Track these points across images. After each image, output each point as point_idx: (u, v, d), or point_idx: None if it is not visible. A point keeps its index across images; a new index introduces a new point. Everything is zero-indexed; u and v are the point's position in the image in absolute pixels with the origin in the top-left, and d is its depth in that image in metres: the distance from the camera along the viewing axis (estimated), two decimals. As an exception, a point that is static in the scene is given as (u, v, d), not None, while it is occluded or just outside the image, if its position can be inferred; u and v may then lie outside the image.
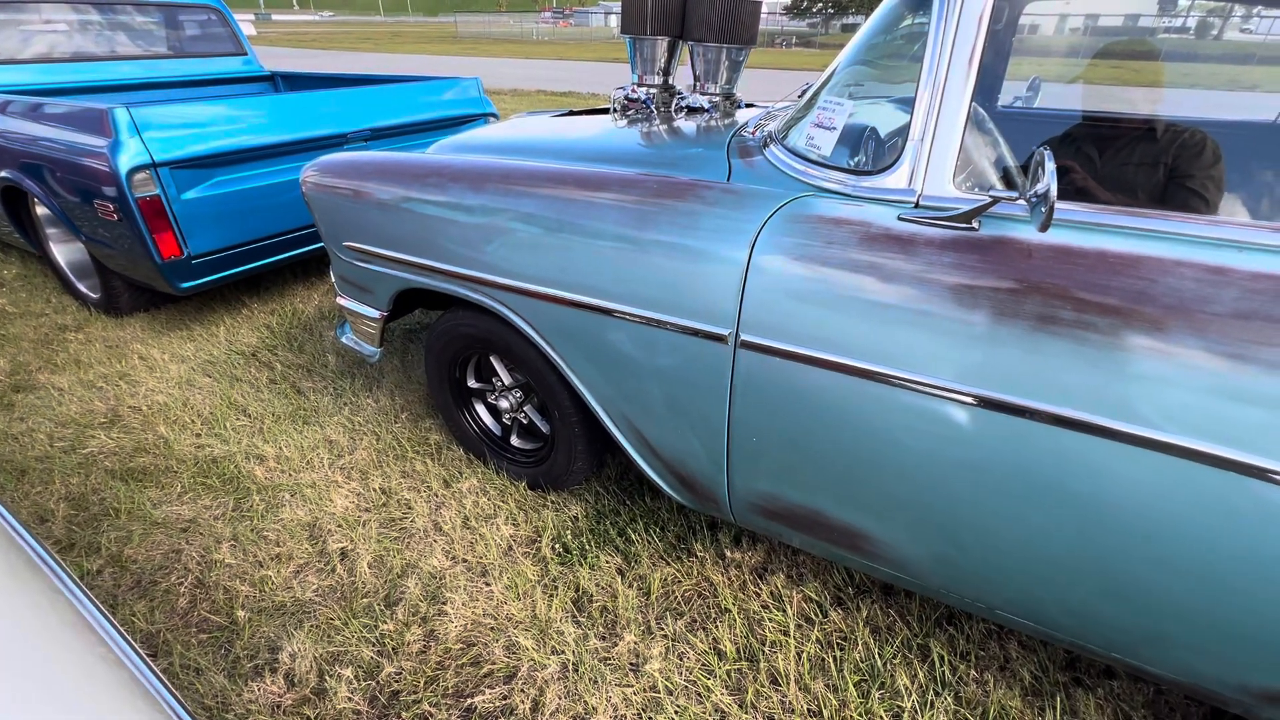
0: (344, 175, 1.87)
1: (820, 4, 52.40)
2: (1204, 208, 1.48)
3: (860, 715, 1.35)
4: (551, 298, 1.47)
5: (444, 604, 1.61)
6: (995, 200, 0.99)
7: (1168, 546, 0.97)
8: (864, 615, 1.58)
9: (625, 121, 2.00)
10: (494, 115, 3.78)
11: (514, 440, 2.03)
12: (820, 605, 1.61)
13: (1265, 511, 0.88)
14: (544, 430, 1.94)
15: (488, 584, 1.67)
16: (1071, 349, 0.95)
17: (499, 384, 1.96)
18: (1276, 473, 0.85)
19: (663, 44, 2.05)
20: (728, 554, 1.75)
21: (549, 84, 14.46)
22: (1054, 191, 0.91)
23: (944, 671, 1.44)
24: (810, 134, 1.30)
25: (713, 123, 1.84)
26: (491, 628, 1.55)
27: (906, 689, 1.40)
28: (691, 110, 2.02)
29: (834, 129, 1.23)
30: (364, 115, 3.19)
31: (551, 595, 1.63)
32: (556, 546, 1.79)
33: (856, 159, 1.23)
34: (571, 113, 2.45)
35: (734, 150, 1.47)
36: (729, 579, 1.68)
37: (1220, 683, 1.04)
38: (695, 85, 2.06)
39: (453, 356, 1.95)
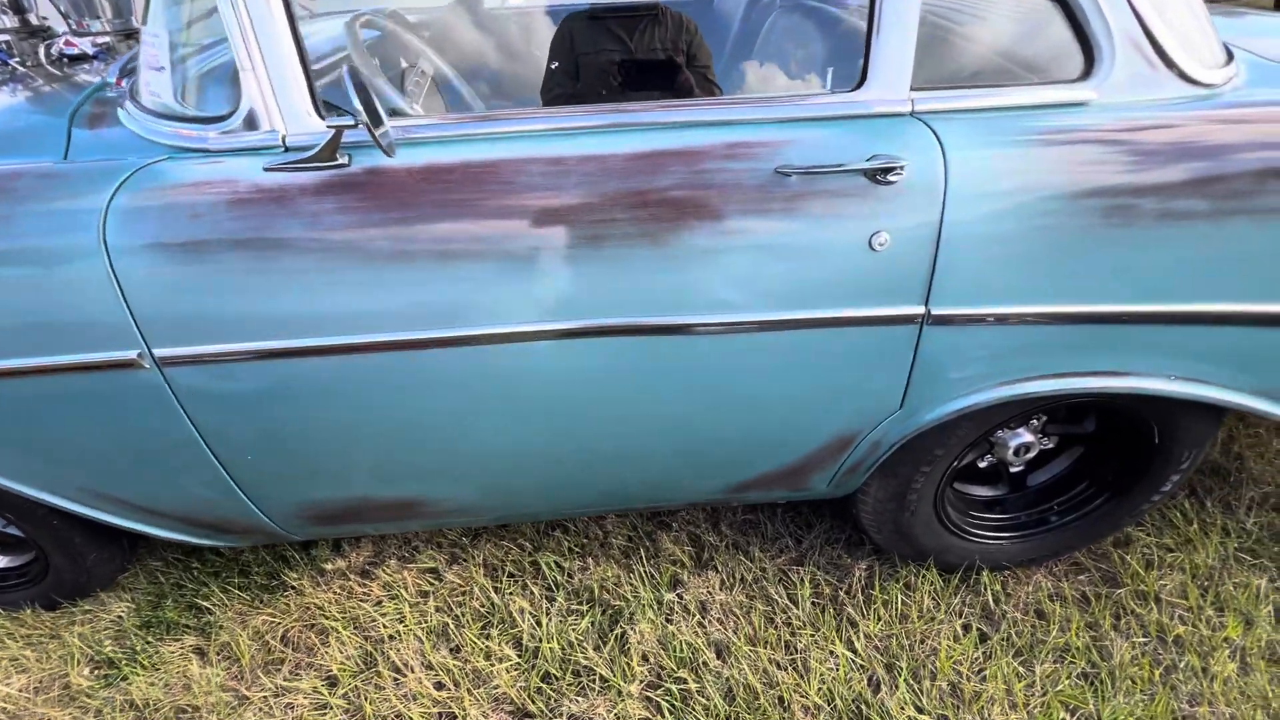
0: None
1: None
2: (702, 90, 1.64)
3: (483, 659, 1.37)
4: None
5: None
6: (340, 130, 0.89)
7: (640, 416, 1.14)
8: (479, 560, 1.59)
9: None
10: None
11: (-10, 565, 1.48)
12: (436, 571, 1.57)
13: (671, 361, 1.07)
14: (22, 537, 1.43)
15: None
16: (472, 272, 0.96)
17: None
18: (659, 328, 1.02)
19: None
20: (328, 567, 1.57)
21: None
22: (375, 114, 0.84)
23: (555, 577, 1.54)
24: (147, 79, 1.03)
25: (82, 77, 1.41)
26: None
27: (523, 611, 1.47)
28: (74, 59, 1.53)
29: (162, 69, 0.99)
30: None
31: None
32: (95, 670, 1.40)
33: (208, 103, 1.02)
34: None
35: (83, 116, 1.12)
36: (335, 593, 1.52)
37: (714, 490, 1.31)
38: (69, 24, 1.55)
39: None
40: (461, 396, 1.09)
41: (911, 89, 0.95)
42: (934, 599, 1.47)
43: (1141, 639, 1.38)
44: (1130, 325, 1.06)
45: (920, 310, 1.03)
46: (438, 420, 1.12)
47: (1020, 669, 1.34)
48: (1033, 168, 0.96)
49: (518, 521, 1.41)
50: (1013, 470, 1.47)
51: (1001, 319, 1.04)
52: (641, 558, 1.57)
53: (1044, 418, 1.38)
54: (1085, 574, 1.52)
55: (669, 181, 0.94)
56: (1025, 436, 1.37)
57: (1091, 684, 1.31)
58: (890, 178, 0.93)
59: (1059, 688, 1.29)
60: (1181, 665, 1.33)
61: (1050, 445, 1.43)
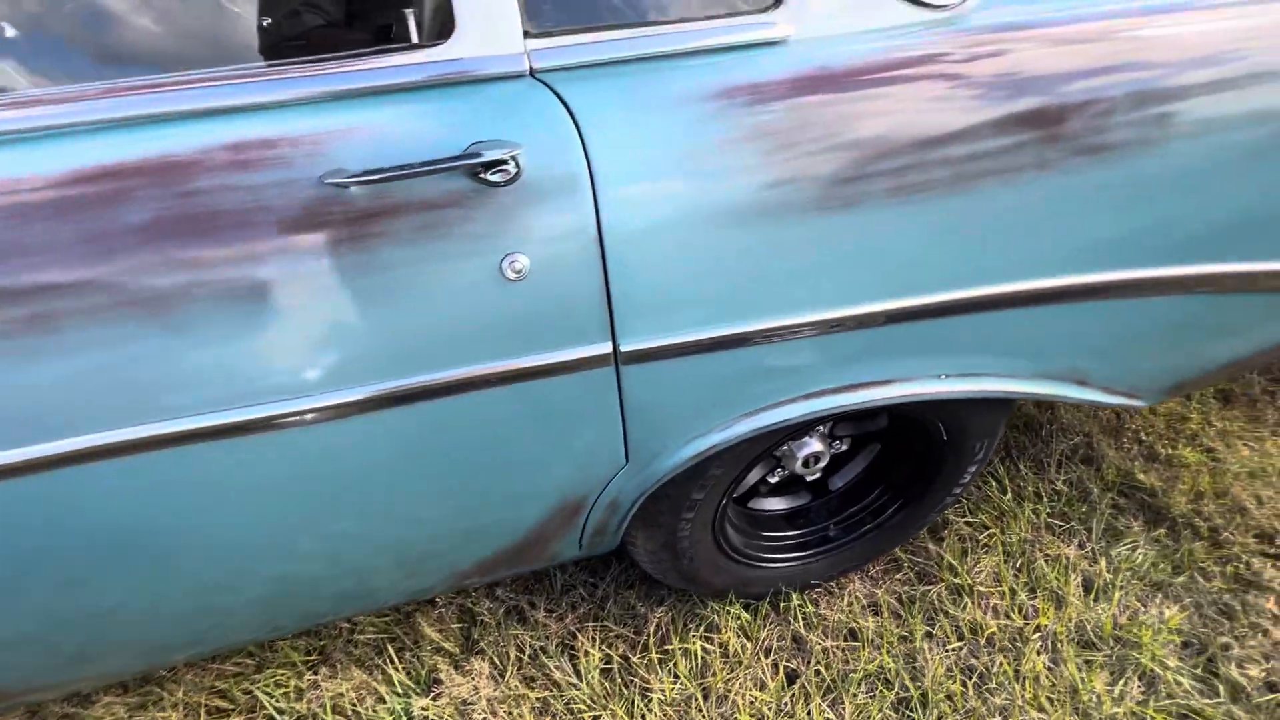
0: None
1: None
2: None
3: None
4: None
5: None
6: None
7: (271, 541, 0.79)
8: (177, 700, 1.21)
9: None
10: None
11: None
12: (114, 726, 1.20)
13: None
14: None
15: None
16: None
17: None
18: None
19: None
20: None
21: None
22: None
23: (276, 706, 1.22)
24: None
25: None
26: None
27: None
28: None
29: None
30: None
31: None
32: None
33: None
34: None
35: None
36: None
37: (441, 583, 1.02)
38: None
39: None
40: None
41: (527, 35, 0.65)
42: (742, 637, 1.28)
43: (956, 644, 1.25)
44: (881, 326, 0.84)
45: (606, 349, 0.76)
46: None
47: (829, 712, 1.18)
48: (715, 140, 0.68)
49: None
50: (810, 479, 1.29)
51: (718, 343, 0.79)
52: (392, 655, 1.27)
53: (831, 423, 1.19)
54: (902, 572, 1.39)
55: (140, 216, 0.59)
56: (814, 445, 1.17)
57: (904, 715, 1.17)
58: (501, 174, 0.63)
59: (869, 729, 1.15)
60: (994, 670, 1.21)
61: (844, 448, 1.25)
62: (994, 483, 1.52)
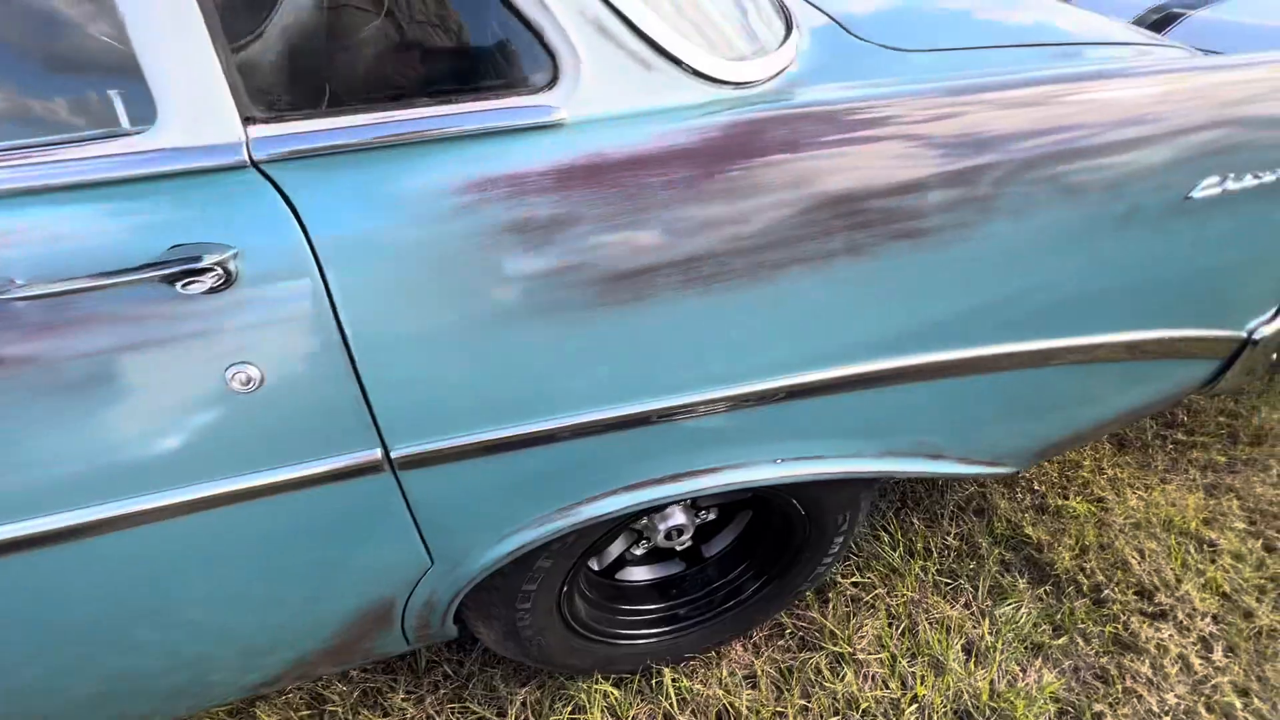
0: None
1: None
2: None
3: None
4: None
5: None
6: None
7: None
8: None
9: None
10: None
11: None
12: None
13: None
14: None
15: None
16: None
17: None
18: None
19: None
20: None
21: None
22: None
23: None
24: None
25: None
26: None
27: None
28: None
29: None
30: None
31: None
32: None
33: None
34: None
35: None
36: None
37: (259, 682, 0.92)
38: None
39: None
40: None
41: (247, 120, 0.57)
42: (609, 717, 1.22)
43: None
44: (700, 418, 0.79)
45: (376, 456, 0.69)
46: None
47: (692, 803, 1.12)
48: (469, 236, 0.62)
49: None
50: (679, 549, 1.22)
51: (504, 444, 0.72)
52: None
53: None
54: (785, 638, 1.34)
55: None
56: (677, 518, 1.11)
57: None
58: (199, 283, 0.55)
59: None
60: (866, 750, 1.17)
61: (713, 516, 1.20)
62: (886, 536, 1.49)
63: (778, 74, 0.74)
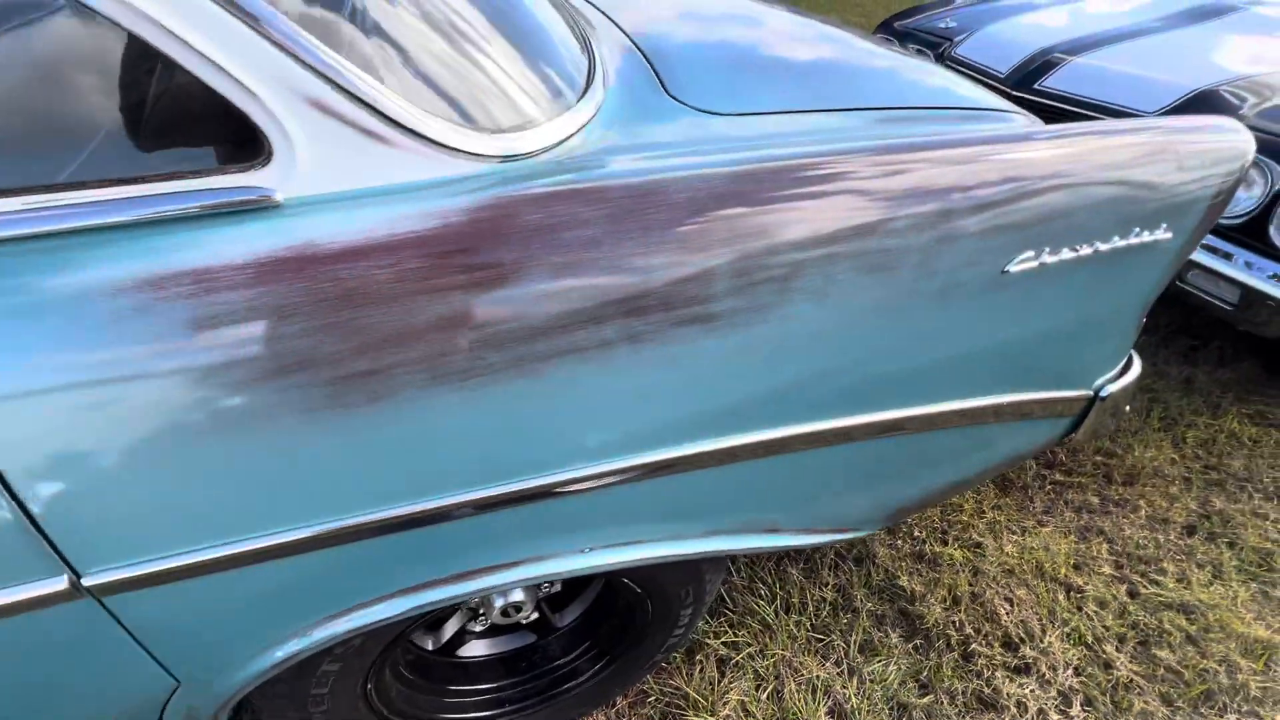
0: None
1: None
2: None
3: None
4: None
5: None
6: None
7: None
8: None
9: None
10: None
11: None
12: None
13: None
14: None
15: None
16: None
17: None
18: None
19: None
20: None
21: None
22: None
23: None
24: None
25: None
26: None
27: None
28: None
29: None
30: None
31: None
32: None
33: None
34: None
35: None
36: None
37: None
38: None
39: None
40: None
41: None
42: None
43: (687, 799, 1.16)
44: (474, 516, 0.71)
45: (63, 584, 0.59)
46: None
47: None
48: (142, 339, 0.53)
49: None
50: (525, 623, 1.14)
51: (227, 562, 0.63)
52: None
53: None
54: (649, 704, 1.29)
55: None
56: (515, 595, 1.04)
57: None
58: None
59: None
60: (719, 831, 1.12)
61: (558, 588, 1.13)
62: (764, 589, 1.45)
63: (556, 144, 0.69)
